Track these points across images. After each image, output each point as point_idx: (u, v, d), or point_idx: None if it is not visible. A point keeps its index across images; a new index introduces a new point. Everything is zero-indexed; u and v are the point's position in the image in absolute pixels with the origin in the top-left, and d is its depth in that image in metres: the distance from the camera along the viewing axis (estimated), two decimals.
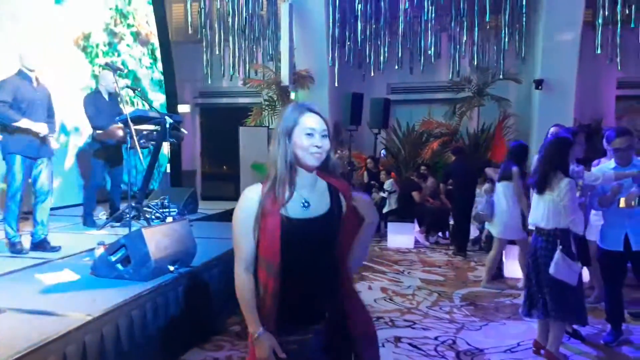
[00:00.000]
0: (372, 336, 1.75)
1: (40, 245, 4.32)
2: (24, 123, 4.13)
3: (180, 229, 3.87)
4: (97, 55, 8.06)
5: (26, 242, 4.36)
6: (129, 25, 9.01)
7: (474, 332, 4.03)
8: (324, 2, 10.39)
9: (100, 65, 7.81)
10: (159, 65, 9.89)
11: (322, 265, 1.65)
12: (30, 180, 4.38)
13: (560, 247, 3.23)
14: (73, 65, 7.42)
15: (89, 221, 5.59)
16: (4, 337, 2.23)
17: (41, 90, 4.37)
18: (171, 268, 3.57)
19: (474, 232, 7.27)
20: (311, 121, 1.62)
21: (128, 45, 8.99)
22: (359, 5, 10.60)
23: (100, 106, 5.52)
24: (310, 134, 1.61)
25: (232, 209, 1.68)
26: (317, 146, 1.60)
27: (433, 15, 10.44)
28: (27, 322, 2.60)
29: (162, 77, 9.96)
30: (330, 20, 10.57)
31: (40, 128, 4.22)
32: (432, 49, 10.60)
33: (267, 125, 10.49)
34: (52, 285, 3.34)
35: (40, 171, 4.33)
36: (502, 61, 10.37)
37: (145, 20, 9.51)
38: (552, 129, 4.36)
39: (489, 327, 4.16)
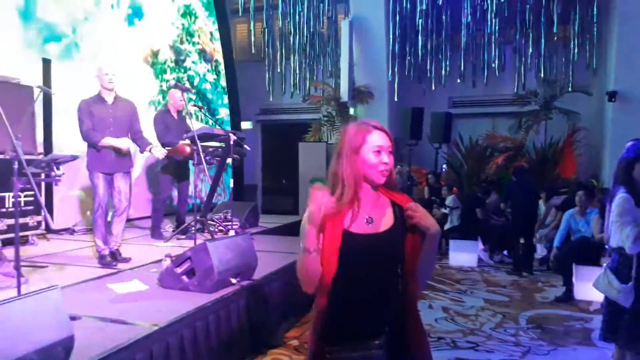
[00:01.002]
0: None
1: (112, 256, 4.52)
2: (106, 141, 4.35)
3: (242, 242, 3.96)
4: (164, 71, 8.49)
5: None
6: (194, 43, 9.44)
7: (541, 356, 3.84)
8: (384, 17, 10.41)
9: (167, 84, 8.20)
10: (222, 81, 10.27)
11: (384, 281, 1.65)
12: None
13: (607, 263, 3.05)
14: (142, 81, 7.82)
15: (156, 233, 5.83)
16: (80, 342, 2.35)
17: (121, 108, 4.51)
18: (233, 281, 3.66)
19: (541, 251, 6.97)
20: (379, 139, 1.64)
21: (194, 62, 9.41)
22: (420, 20, 10.54)
23: (169, 124, 5.77)
24: (378, 151, 1.63)
25: (291, 223, 1.69)
26: (385, 163, 1.63)
27: (497, 27, 10.22)
28: (99, 329, 2.75)
29: (225, 93, 10.34)
30: (391, 36, 10.57)
31: (122, 143, 4.40)
32: (496, 61, 10.36)
33: (326, 140, 10.57)
34: (122, 295, 3.51)
35: (117, 186, 4.49)
36: (570, 73, 9.96)
37: (209, 38, 9.93)
38: (630, 144, 4.11)
39: (557, 352, 3.94)
